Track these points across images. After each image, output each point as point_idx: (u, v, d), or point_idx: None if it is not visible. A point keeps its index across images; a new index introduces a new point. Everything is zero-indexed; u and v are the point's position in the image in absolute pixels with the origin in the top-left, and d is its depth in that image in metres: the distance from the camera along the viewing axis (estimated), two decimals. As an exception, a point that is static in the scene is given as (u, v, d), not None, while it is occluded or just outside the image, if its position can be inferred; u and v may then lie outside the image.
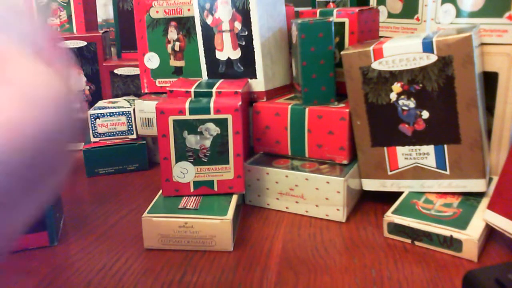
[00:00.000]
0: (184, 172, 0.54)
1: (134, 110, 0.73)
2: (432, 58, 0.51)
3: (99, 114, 0.72)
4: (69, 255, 0.50)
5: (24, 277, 0.46)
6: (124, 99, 0.79)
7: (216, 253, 0.49)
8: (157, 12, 0.70)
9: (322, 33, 0.56)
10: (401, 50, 0.52)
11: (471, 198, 0.53)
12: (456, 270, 0.45)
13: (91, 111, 0.72)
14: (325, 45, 0.57)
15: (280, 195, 0.58)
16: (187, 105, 0.53)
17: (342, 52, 0.55)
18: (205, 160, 0.54)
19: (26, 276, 0.46)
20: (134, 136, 0.74)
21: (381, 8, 0.75)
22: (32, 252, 0.50)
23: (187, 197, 0.54)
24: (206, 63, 0.65)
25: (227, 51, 0.63)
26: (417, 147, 0.54)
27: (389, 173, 0.56)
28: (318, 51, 0.57)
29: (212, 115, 0.53)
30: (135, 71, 0.82)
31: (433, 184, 0.55)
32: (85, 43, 0.82)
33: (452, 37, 0.49)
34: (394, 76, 0.53)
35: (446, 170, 0.54)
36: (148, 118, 0.71)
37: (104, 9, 1.24)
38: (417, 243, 0.50)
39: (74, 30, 0.93)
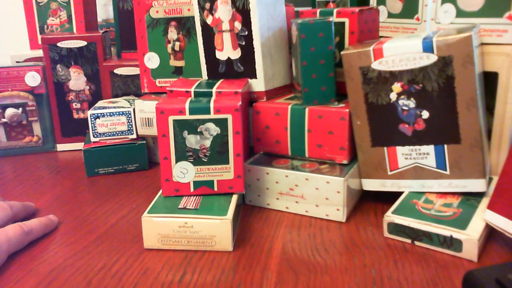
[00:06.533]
0: (184, 172, 0.54)
1: (134, 110, 0.73)
2: (432, 58, 0.51)
3: (99, 114, 0.72)
4: (69, 255, 0.50)
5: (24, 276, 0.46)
6: (124, 99, 0.79)
7: (216, 253, 0.49)
8: (157, 12, 0.70)
9: (322, 33, 0.56)
10: (401, 50, 0.52)
11: (471, 198, 0.53)
12: (456, 270, 0.45)
13: (91, 111, 0.72)
14: (325, 45, 0.57)
15: (280, 195, 0.58)
16: (187, 105, 0.53)
17: (342, 52, 0.55)
18: (205, 160, 0.54)
19: (26, 276, 0.46)
20: (134, 136, 0.74)
21: (381, 8, 0.75)
22: (32, 251, 0.50)
23: (187, 197, 0.54)
24: (206, 63, 0.65)
25: (227, 51, 0.63)
26: (417, 147, 0.54)
27: (389, 173, 0.56)
28: (318, 51, 0.57)
29: (212, 115, 0.53)
30: (135, 71, 0.82)
31: (433, 184, 0.55)
32: (85, 43, 0.82)
33: (452, 37, 0.49)
34: (394, 76, 0.53)
35: (446, 170, 0.54)
36: (148, 118, 0.71)
37: (104, 9, 1.24)
38: (417, 243, 0.50)
39: (74, 30, 0.93)
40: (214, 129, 0.53)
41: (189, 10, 0.69)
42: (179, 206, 0.52)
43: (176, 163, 0.54)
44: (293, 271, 0.46)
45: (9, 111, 0.82)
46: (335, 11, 0.62)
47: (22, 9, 0.92)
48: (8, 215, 0.53)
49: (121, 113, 0.73)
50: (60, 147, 0.85)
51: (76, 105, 0.84)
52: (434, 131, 0.53)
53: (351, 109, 0.56)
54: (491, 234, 0.50)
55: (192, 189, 0.55)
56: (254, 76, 0.62)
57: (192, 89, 0.59)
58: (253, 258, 0.48)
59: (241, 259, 0.48)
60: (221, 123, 0.53)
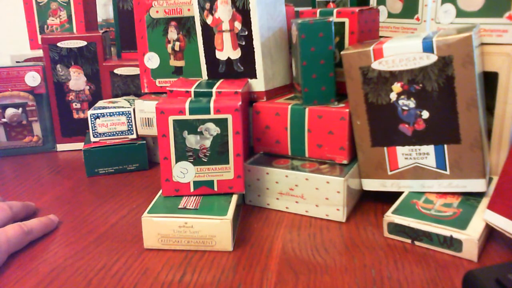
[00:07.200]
0: (184, 172, 0.54)
1: (134, 110, 0.73)
2: (432, 58, 0.51)
3: (99, 114, 0.72)
4: (69, 255, 0.50)
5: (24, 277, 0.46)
6: (124, 99, 0.79)
7: (216, 253, 0.49)
8: (157, 12, 0.70)
9: (322, 33, 0.56)
10: (401, 50, 0.52)
11: (471, 198, 0.53)
12: (456, 270, 0.45)
13: (91, 111, 0.72)
14: (325, 45, 0.57)
15: (280, 195, 0.58)
16: (187, 105, 0.53)
17: (342, 52, 0.55)
18: (205, 160, 0.54)
19: (26, 276, 0.46)
20: (134, 136, 0.74)
21: (381, 8, 0.75)
22: (32, 251, 0.50)
23: (187, 197, 0.54)
24: (206, 63, 0.65)
25: (227, 51, 0.63)
26: (417, 147, 0.54)
27: (389, 173, 0.56)
28: (318, 51, 0.57)
29: (212, 115, 0.53)
30: (135, 71, 0.82)
31: (433, 184, 0.55)
32: (85, 43, 0.82)
33: (452, 37, 0.49)
34: (394, 76, 0.53)
35: (446, 170, 0.54)
36: (148, 118, 0.71)
37: (104, 9, 1.24)
38: (417, 243, 0.50)
39: (74, 30, 0.93)
40: (214, 129, 0.53)
41: (189, 10, 0.69)
42: (179, 206, 0.52)
43: (176, 163, 0.54)
44: (293, 271, 0.46)
45: (9, 111, 0.82)
46: (335, 11, 0.62)
47: (22, 9, 0.92)
48: (8, 216, 0.53)
49: (121, 113, 0.73)
50: (60, 147, 0.85)
51: (76, 105, 0.84)
52: (434, 131, 0.53)
53: (351, 109, 0.56)
54: (491, 234, 0.50)
55: (192, 189, 0.55)
56: (254, 76, 0.62)
57: (192, 89, 0.59)
58: (253, 258, 0.48)
59: (241, 259, 0.48)
60: (221, 123, 0.53)
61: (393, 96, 0.54)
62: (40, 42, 0.88)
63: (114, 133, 0.73)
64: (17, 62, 0.90)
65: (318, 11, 0.64)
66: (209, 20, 0.63)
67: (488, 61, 0.57)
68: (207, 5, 0.62)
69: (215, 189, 0.55)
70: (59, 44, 0.81)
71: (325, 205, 0.56)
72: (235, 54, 0.63)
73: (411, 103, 0.53)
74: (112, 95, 0.84)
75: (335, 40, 0.62)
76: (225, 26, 0.62)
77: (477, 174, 0.52)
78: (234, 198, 0.54)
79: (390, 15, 0.74)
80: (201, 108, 0.53)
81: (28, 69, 0.81)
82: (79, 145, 0.82)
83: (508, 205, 0.46)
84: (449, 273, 0.45)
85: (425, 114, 0.53)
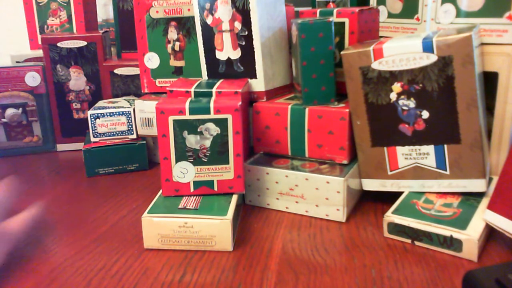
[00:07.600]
0: (184, 172, 0.54)
1: (134, 110, 0.73)
2: (432, 58, 0.51)
3: (99, 114, 0.72)
4: (69, 255, 0.50)
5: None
6: (124, 99, 0.79)
7: (216, 253, 0.49)
8: (157, 12, 0.70)
9: (322, 33, 0.56)
10: (401, 50, 0.52)
11: (471, 198, 0.53)
12: (456, 270, 0.45)
13: (91, 111, 0.72)
14: (325, 45, 0.57)
15: (280, 195, 0.58)
16: (187, 105, 0.53)
17: (342, 52, 0.55)
18: (205, 160, 0.54)
19: (26, 276, 0.46)
20: (134, 136, 0.74)
21: (381, 8, 0.75)
22: (32, 251, 0.50)
23: (187, 197, 0.54)
24: (206, 63, 0.65)
25: (227, 51, 0.63)
26: (417, 147, 0.54)
27: (389, 173, 0.56)
28: (318, 51, 0.57)
29: (212, 115, 0.53)
30: (135, 71, 0.82)
31: (433, 184, 0.55)
32: (85, 43, 0.82)
33: (452, 37, 0.49)
34: (394, 76, 0.53)
35: (446, 170, 0.54)
36: (148, 118, 0.71)
37: (104, 9, 1.24)
38: (417, 243, 0.50)
39: (74, 30, 0.93)
40: (214, 129, 0.53)
41: (189, 10, 0.69)
42: (179, 206, 0.52)
43: (176, 163, 0.54)
44: (293, 271, 0.46)
45: (9, 111, 0.82)
46: (335, 11, 0.62)
47: (22, 9, 0.92)
48: None
49: (121, 113, 0.73)
50: (60, 147, 0.85)
51: (76, 105, 0.84)
52: (434, 131, 0.53)
53: (351, 109, 0.56)
54: (491, 234, 0.50)
55: (192, 189, 0.55)
56: (254, 76, 0.62)
57: (192, 89, 0.59)
58: (253, 258, 0.48)
59: (241, 259, 0.48)
60: (221, 123, 0.53)
61: (393, 96, 0.54)
62: (40, 42, 0.88)
63: (114, 133, 0.73)
64: (17, 62, 0.90)
65: (318, 11, 0.64)
66: (209, 20, 0.63)
67: (488, 61, 0.57)
68: (207, 5, 0.62)
69: (215, 189, 0.55)
70: (59, 44, 0.81)
71: (325, 205, 0.56)
72: (235, 54, 0.63)
73: (411, 103, 0.53)
74: (112, 95, 0.84)
75: (335, 40, 0.62)
76: (225, 26, 0.62)
77: (477, 174, 0.52)
78: (234, 198, 0.54)
79: (390, 15, 0.74)
80: (201, 108, 0.53)
81: (28, 69, 0.81)
82: (79, 145, 0.82)
83: (508, 205, 0.46)
84: (449, 273, 0.45)
85: (425, 114, 0.53)
